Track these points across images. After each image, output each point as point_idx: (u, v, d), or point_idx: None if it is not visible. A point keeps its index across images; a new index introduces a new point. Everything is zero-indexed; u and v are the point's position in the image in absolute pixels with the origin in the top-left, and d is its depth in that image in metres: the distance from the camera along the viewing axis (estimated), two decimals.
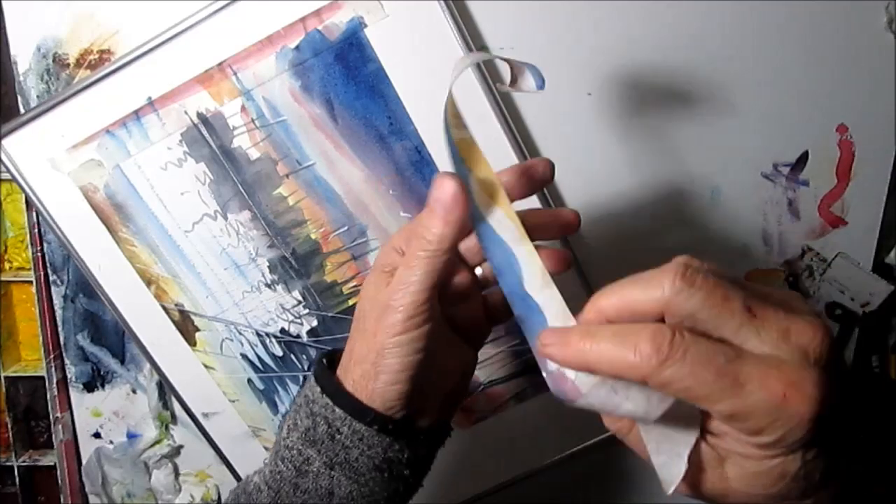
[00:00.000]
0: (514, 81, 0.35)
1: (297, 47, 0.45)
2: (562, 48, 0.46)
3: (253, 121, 0.47)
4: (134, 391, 0.57)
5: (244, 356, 0.52)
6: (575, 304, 0.50)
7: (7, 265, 0.58)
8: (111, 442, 0.59)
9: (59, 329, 0.56)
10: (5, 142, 0.47)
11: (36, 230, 0.54)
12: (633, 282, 0.25)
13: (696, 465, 0.26)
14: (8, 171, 0.48)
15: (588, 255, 0.50)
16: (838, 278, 0.51)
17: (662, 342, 0.23)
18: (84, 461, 0.59)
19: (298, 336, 0.52)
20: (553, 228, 0.35)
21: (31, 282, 0.55)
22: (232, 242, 0.50)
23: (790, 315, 0.24)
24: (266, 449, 0.55)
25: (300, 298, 0.51)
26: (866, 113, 0.47)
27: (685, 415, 0.25)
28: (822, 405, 0.23)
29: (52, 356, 0.56)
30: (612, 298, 0.25)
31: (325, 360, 0.35)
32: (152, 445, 0.58)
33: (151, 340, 0.52)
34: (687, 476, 0.26)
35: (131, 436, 0.58)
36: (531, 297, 0.29)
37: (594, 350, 0.24)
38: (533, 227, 0.31)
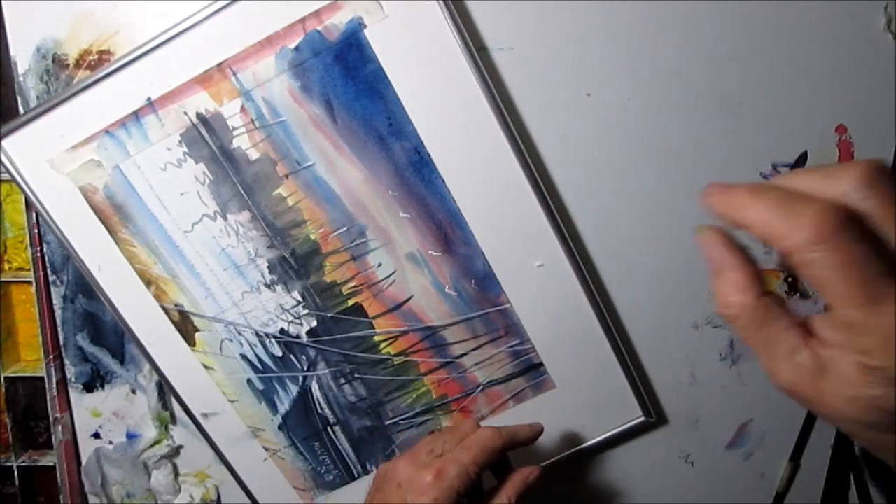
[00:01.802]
0: None
1: (296, 48, 0.45)
2: (562, 48, 0.46)
3: (252, 121, 0.47)
4: (133, 391, 0.57)
5: (244, 356, 0.52)
6: (571, 305, 0.50)
7: (7, 265, 0.58)
8: (111, 442, 0.59)
9: (59, 329, 0.56)
10: (5, 142, 0.47)
11: (36, 230, 0.54)
12: (817, 171, 0.23)
13: (795, 365, 0.25)
14: (8, 171, 0.48)
15: (588, 255, 0.50)
16: None
17: (827, 223, 0.21)
18: (83, 461, 0.59)
19: (298, 336, 0.52)
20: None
21: (30, 282, 0.55)
22: (231, 243, 0.50)
23: None
24: (266, 449, 0.55)
25: (299, 299, 0.51)
26: (865, 113, 0.47)
27: None
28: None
29: (51, 356, 0.56)
30: (792, 181, 0.24)
31: None
32: (152, 446, 0.58)
33: (151, 341, 0.52)
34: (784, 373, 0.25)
35: (131, 436, 0.58)
36: None
37: (755, 206, 0.24)
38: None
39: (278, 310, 0.51)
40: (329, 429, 0.54)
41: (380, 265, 0.50)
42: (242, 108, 0.46)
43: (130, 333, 0.52)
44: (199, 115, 0.47)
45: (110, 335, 0.56)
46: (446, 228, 0.48)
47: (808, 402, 0.26)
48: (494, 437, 0.44)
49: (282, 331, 0.52)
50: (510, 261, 0.49)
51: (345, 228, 0.49)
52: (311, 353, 0.52)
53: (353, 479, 0.56)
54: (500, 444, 0.44)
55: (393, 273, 0.50)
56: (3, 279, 0.58)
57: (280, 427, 0.54)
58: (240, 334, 0.52)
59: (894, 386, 0.23)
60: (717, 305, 0.27)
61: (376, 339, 0.52)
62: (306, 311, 0.51)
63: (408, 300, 0.50)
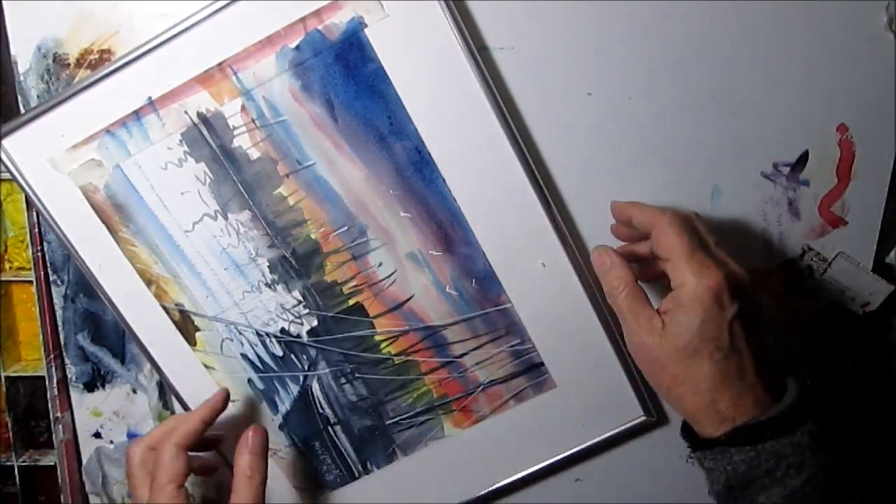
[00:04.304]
0: None
1: (297, 47, 0.45)
2: (562, 48, 0.46)
3: (253, 121, 0.47)
4: (134, 391, 0.57)
5: (244, 356, 0.53)
6: (572, 304, 0.50)
7: (7, 265, 0.58)
8: (111, 442, 0.59)
9: (60, 329, 0.56)
10: (5, 142, 0.47)
11: (36, 230, 0.54)
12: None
13: (651, 327, 0.40)
14: (8, 171, 0.48)
15: (588, 255, 0.50)
16: (838, 278, 0.51)
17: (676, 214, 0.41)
18: (84, 461, 0.59)
19: (299, 336, 0.52)
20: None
21: (31, 282, 0.55)
22: (232, 242, 0.50)
23: (739, 264, 0.41)
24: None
25: (300, 298, 0.51)
26: (866, 113, 0.47)
27: None
28: (720, 290, 0.38)
29: (52, 356, 0.56)
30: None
31: None
32: None
33: (151, 340, 0.52)
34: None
35: (132, 435, 0.58)
36: None
37: (636, 210, 0.44)
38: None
39: (279, 309, 0.51)
40: (330, 428, 0.54)
41: (380, 265, 0.50)
42: (243, 108, 0.46)
43: (131, 333, 0.52)
44: (199, 115, 0.47)
45: (111, 335, 0.56)
46: (447, 228, 0.48)
47: (649, 358, 0.41)
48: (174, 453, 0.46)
49: (282, 330, 0.52)
50: (511, 260, 0.49)
51: (345, 228, 0.49)
52: (312, 352, 0.52)
53: (353, 478, 0.56)
54: (182, 458, 0.46)
55: (394, 272, 0.50)
56: (3, 278, 0.58)
57: (281, 426, 0.54)
58: (241, 334, 0.52)
59: (687, 311, 0.39)
60: (606, 290, 0.43)
61: (377, 338, 0.52)
62: (307, 311, 0.51)
63: (408, 300, 0.50)
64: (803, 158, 0.48)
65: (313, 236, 0.49)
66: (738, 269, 0.41)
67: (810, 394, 0.41)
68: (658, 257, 0.41)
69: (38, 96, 0.49)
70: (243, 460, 0.47)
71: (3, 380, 0.59)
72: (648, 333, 0.40)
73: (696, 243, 0.40)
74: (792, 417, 0.39)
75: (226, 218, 0.49)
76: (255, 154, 0.47)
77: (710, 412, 0.40)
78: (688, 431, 0.42)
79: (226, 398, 0.51)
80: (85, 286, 0.54)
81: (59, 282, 0.55)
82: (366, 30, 0.44)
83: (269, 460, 0.56)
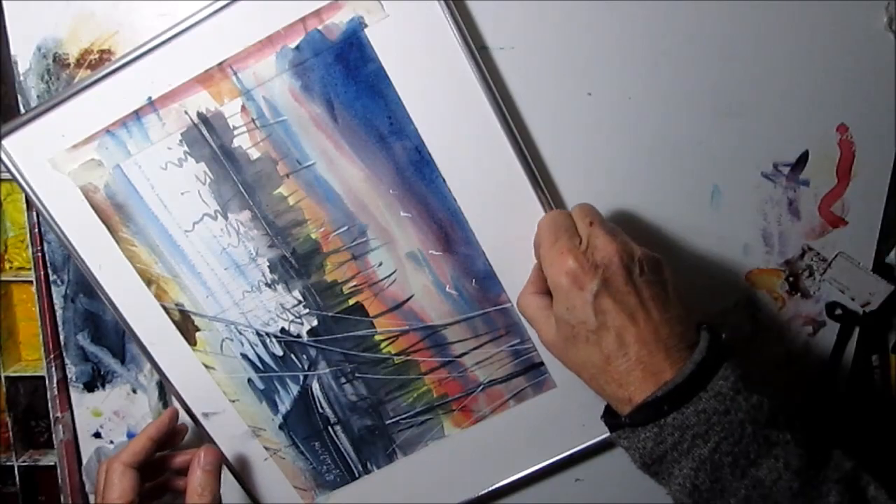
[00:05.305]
0: None
1: (297, 47, 0.45)
2: (562, 48, 0.46)
3: (253, 121, 0.47)
4: (134, 391, 0.57)
5: (244, 356, 0.53)
6: None
7: (7, 265, 0.58)
8: (111, 442, 0.59)
9: (60, 329, 0.56)
10: (5, 142, 0.47)
11: (36, 230, 0.54)
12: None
13: (551, 326, 0.42)
14: (8, 171, 0.48)
15: None
16: (838, 278, 0.51)
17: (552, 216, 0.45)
18: (84, 461, 0.59)
19: (299, 336, 0.52)
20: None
21: (31, 282, 0.55)
22: (232, 242, 0.50)
23: (609, 235, 0.40)
24: (267, 449, 0.55)
25: (300, 298, 0.51)
26: (866, 113, 0.47)
27: None
28: (575, 272, 0.39)
29: (52, 356, 0.56)
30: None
31: None
32: None
33: (151, 340, 0.52)
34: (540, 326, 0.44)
35: (131, 435, 0.58)
36: None
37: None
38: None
39: (279, 309, 0.51)
40: (330, 428, 0.54)
41: (380, 264, 0.50)
42: (243, 108, 0.46)
43: (131, 333, 0.52)
44: (199, 115, 0.47)
45: (111, 335, 0.56)
46: (447, 228, 0.48)
47: (556, 354, 0.43)
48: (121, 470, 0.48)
49: (282, 330, 0.52)
50: (511, 260, 0.49)
51: (345, 228, 0.49)
52: (312, 352, 0.52)
53: (353, 478, 0.56)
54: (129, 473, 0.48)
55: (394, 272, 0.50)
56: (3, 279, 0.58)
57: (281, 426, 0.54)
58: (241, 333, 0.52)
59: (559, 299, 0.40)
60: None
61: (377, 338, 0.52)
62: (307, 311, 0.51)
63: (408, 299, 0.50)
64: (803, 158, 0.48)
65: (313, 236, 0.49)
66: (607, 244, 0.39)
67: (723, 346, 0.38)
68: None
69: (38, 96, 0.49)
70: (195, 478, 0.49)
71: (3, 380, 0.59)
72: (547, 332, 0.43)
73: (555, 236, 0.42)
74: (694, 383, 0.36)
75: (226, 218, 0.49)
76: (255, 154, 0.47)
77: (607, 396, 0.40)
78: (609, 413, 0.42)
79: (174, 416, 0.53)
80: (85, 286, 0.54)
81: (59, 282, 0.55)
82: (366, 30, 0.44)
83: (270, 460, 0.56)
